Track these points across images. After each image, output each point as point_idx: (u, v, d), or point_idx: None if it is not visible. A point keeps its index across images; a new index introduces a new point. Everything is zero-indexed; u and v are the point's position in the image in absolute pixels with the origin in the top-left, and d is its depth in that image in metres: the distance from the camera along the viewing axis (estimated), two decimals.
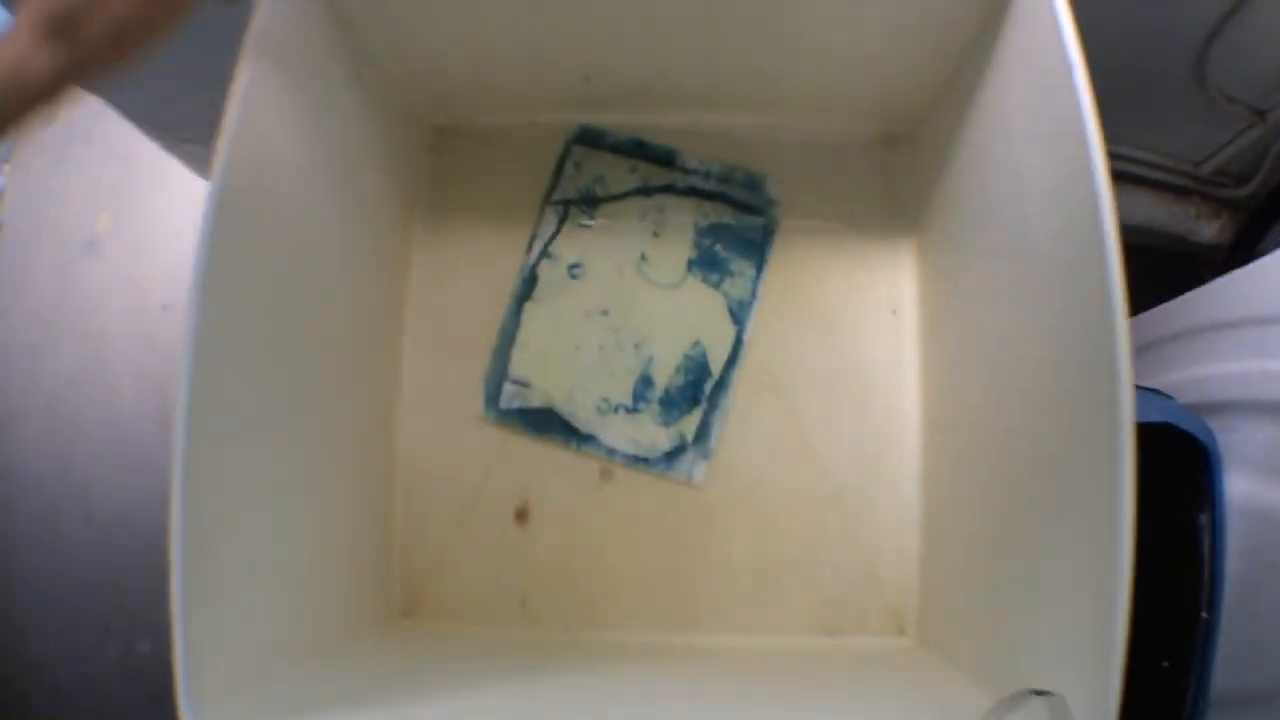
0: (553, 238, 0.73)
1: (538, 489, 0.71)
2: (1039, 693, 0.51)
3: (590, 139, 0.75)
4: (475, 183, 0.76)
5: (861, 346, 0.73)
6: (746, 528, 0.70)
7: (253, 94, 0.49)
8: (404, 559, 0.71)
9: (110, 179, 1.40)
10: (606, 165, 0.74)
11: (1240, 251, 0.98)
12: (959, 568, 0.65)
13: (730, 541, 0.70)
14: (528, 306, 0.73)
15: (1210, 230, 1.03)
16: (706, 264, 0.73)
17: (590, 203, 0.74)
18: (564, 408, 0.71)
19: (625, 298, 0.72)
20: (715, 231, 0.73)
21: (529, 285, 0.73)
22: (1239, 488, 0.56)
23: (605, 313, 0.72)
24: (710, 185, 0.74)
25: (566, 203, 0.74)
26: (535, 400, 0.72)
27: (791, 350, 0.73)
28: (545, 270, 0.73)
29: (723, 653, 0.68)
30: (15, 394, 1.33)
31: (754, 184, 0.74)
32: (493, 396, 0.72)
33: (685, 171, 0.74)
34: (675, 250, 0.73)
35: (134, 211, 1.39)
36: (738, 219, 0.74)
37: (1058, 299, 0.51)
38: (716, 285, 0.73)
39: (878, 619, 0.69)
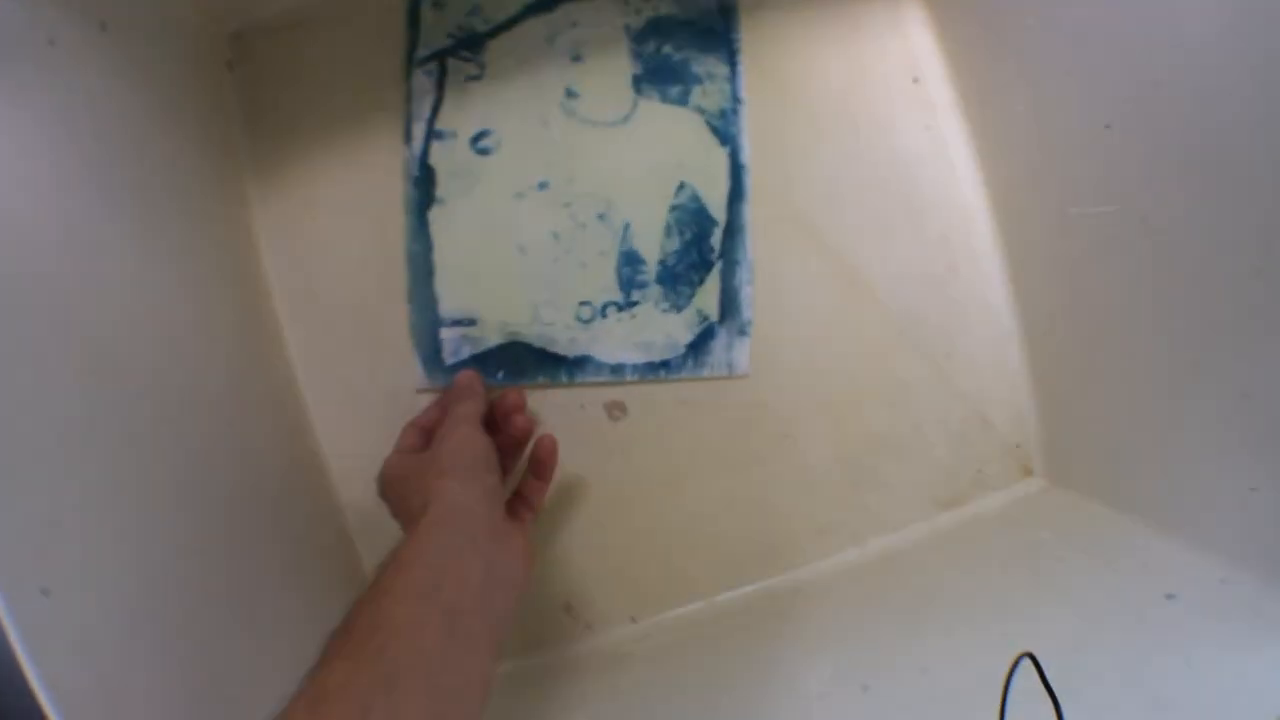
0: (435, 110, 0.50)
1: None
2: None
3: None
4: (305, 84, 0.51)
5: (890, 135, 0.54)
6: (816, 413, 0.53)
7: None
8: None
9: None
10: None
11: None
12: (1090, 386, 0.50)
13: (802, 437, 0.53)
14: (434, 213, 0.50)
15: None
16: (660, 75, 0.51)
17: (472, 44, 0.50)
18: (532, 333, 0.51)
19: (563, 156, 0.51)
20: (657, 29, 0.51)
21: (425, 185, 0.50)
22: None
23: (543, 185, 0.51)
24: None
25: (438, 56, 0.51)
26: (491, 337, 0.51)
27: (803, 165, 0.53)
28: (440, 156, 0.50)
29: (839, 577, 0.52)
30: None
31: None
32: (430, 353, 0.51)
33: None
34: (611, 71, 0.51)
35: None
36: (680, 4, 0.52)
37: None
38: (682, 100, 0.52)
39: (999, 468, 0.55)
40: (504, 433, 0.45)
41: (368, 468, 0.45)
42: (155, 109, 0.44)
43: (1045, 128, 0.48)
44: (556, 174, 0.50)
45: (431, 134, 0.50)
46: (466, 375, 0.47)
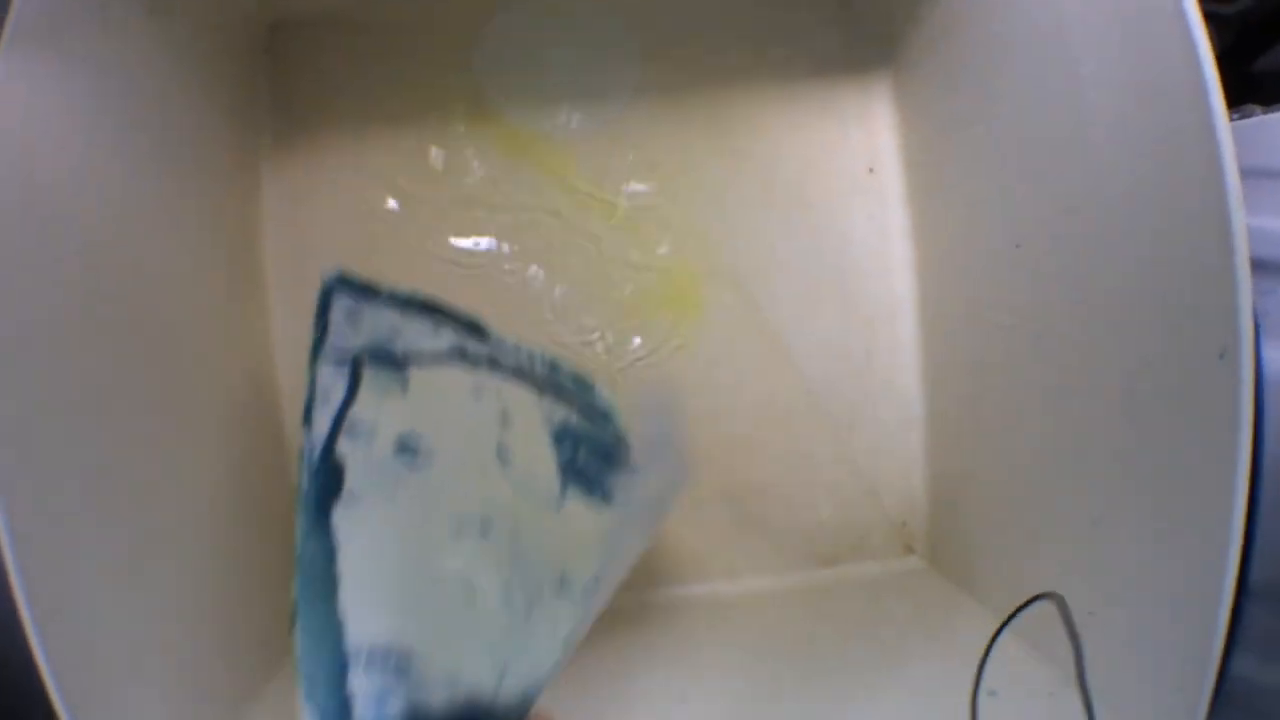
0: (347, 401, 0.39)
1: None
2: (1038, 597, 0.43)
3: (355, 291, 0.43)
4: (334, 80, 0.59)
5: (836, 217, 0.58)
6: (716, 455, 0.59)
7: None
8: None
9: None
10: (394, 320, 0.43)
11: (1226, 72, 0.80)
12: (974, 483, 0.54)
13: (699, 475, 0.59)
14: (341, 512, 0.36)
15: None
16: (580, 477, 0.44)
17: (393, 363, 0.42)
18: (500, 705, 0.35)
19: (505, 512, 0.41)
20: (569, 435, 0.45)
21: (327, 477, 0.37)
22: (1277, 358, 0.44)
23: (486, 531, 0.39)
24: (539, 370, 0.46)
25: (353, 360, 0.41)
26: (435, 693, 0.34)
27: (751, 233, 0.59)
28: (352, 449, 0.38)
29: (707, 604, 0.58)
30: None
31: (583, 384, 0.47)
32: (333, 707, 0.33)
33: (503, 349, 0.46)
34: (537, 449, 0.44)
35: None
36: (584, 424, 0.46)
37: (1128, 149, 0.37)
38: (606, 501, 0.44)
39: (881, 540, 0.59)
40: None
41: None
42: (191, 84, 0.50)
43: (972, 235, 0.52)
44: (500, 525, 0.40)
45: (341, 421, 0.38)
46: None
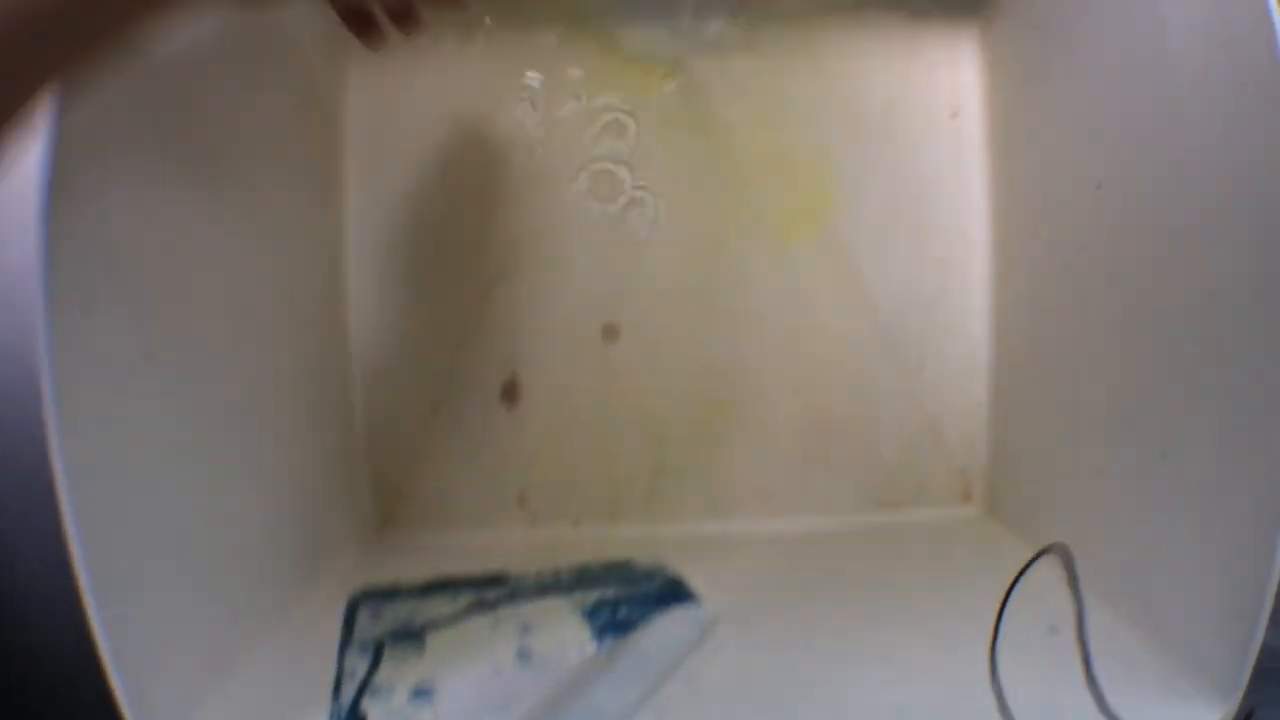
0: (370, 673, 0.44)
1: (527, 357, 0.57)
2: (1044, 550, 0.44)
3: (378, 597, 0.49)
4: (421, 90, 0.57)
5: (917, 158, 0.58)
6: (786, 381, 0.58)
7: None
8: (372, 458, 0.58)
9: None
10: (414, 605, 0.49)
11: None
12: (1037, 428, 0.54)
13: (767, 402, 0.58)
14: None
15: None
16: (623, 626, 0.46)
17: (411, 635, 0.47)
18: None
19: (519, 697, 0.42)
20: (606, 605, 0.48)
21: None
22: None
23: None
24: (566, 580, 0.50)
25: (375, 644, 0.46)
26: None
27: (831, 162, 0.58)
28: (374, 705, 0.41)
29: (767, 540, 0.57)
30: None
31: (618, 566, 0.52)
32: None
33: (523, 585, 0.50)
34: (565, 633, 0.46)
35: None
36: (624, 588, 0.49)
37: (1207, 93, 0.37)
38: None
39: (941, 485, 0.59)
40: None
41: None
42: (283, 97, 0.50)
43: (1051, 179, 0.52)
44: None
45: (364, 689, 0.43)
46: None
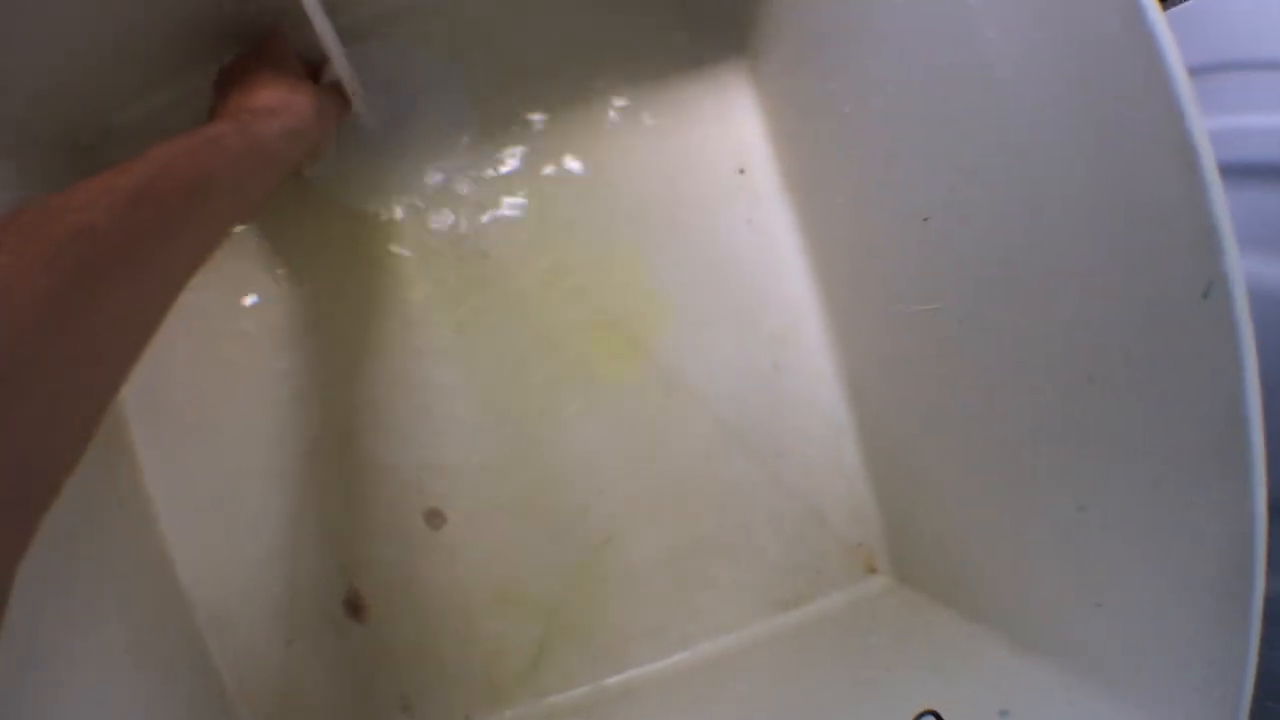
0: None
1: (361, 566, 0.53)
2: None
3: None
4: None
5: (713, 231, 0.52)
6: (641, 516, 0.53)
7: None
8: (249, 704, 0.54)
9: None
10: None
11: None
12: (932, 477, 0.49)
13: (627, 543, 0.53)
14: None
15: None
16: None
17: None
18: None
19: None
20: None
21: None
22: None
23: None
24: None
25: None
26: None
27: (629, 269, 0.53)
28: None
29: (669, 680, 0.52)
30: None
31: None
32: None
33: None
34: None
35: None
36: None
37: (1042, 75, 0.31)
38: None
39: (840, 565, 0.54)
40: None
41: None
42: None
43: (867, 220, 0.46)
44: None
45: None
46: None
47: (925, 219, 0.41)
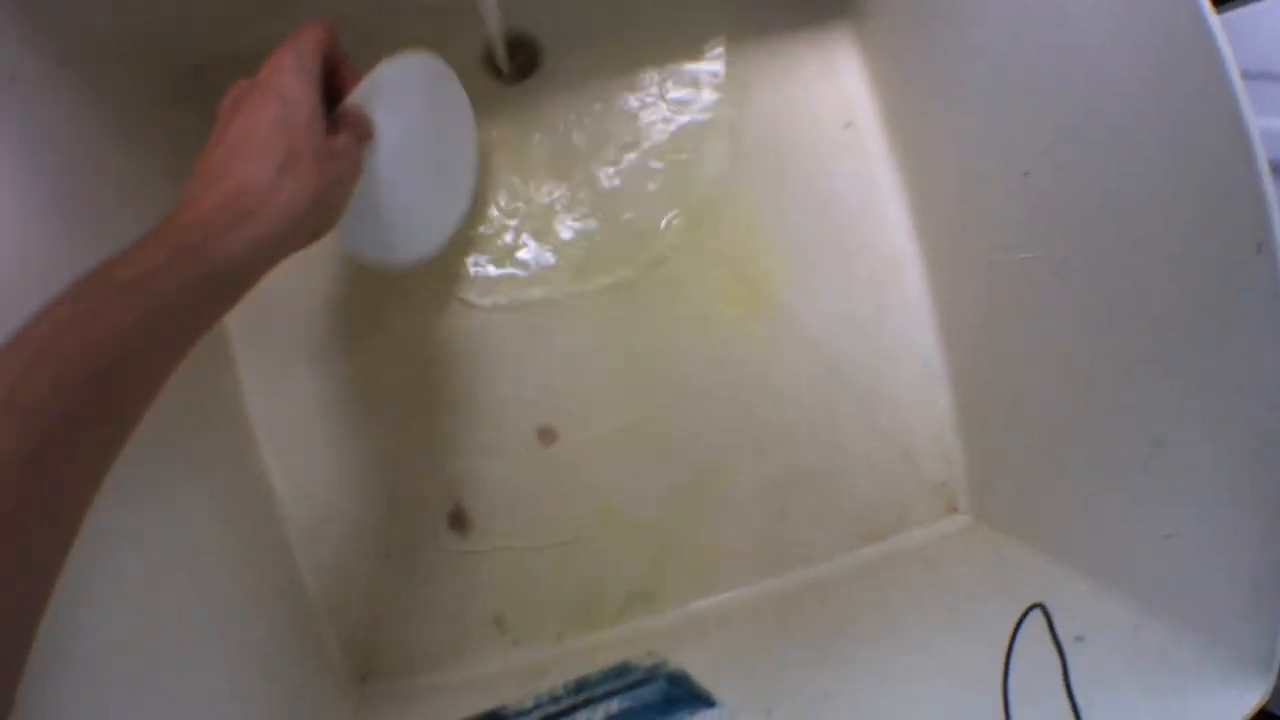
0: None
1: (466, 480, 0.54)
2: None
3: None
4: None
5: (820, 179, 0.56)
6: (744, 445, 0.55)
7: None
8: (334, 621, 0.54)
9: None
10: None
11: None
12: (1013, 427, 0.52)
13: (730, 469, 0.55)
14: None
15: None
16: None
17: None
18: None
19: None
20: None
21: None
22: None
23: None
24: (566, 699, 0.49)
25: None
26: None
27: (740, 211, 0.55)
28: None
29: (761, 604, 0.54)
30: None
31: (619, 671, 0.49)
32: None
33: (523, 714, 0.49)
34: None
35: None
36: (627, 703, 0.48)
37: (1125, 57, 0.35)
38: None
39: (924, 503, 0.56)
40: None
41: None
42: (117, 140, 0.45)
43: (970, 174, 0.50)
44: None
45: None
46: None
47: (1025, 174, 0.45)
